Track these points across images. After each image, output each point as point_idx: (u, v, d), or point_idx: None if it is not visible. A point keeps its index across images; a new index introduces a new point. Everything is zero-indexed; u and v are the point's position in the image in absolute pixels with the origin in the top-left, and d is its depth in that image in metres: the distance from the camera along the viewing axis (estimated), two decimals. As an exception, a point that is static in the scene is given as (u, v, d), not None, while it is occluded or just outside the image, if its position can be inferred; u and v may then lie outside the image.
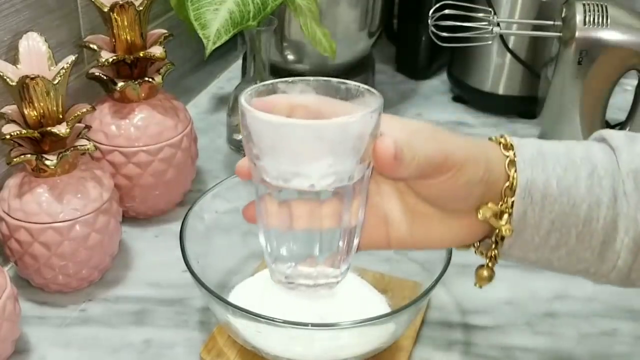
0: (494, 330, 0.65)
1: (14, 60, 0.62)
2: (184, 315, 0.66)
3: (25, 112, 0.62)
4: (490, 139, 0.47)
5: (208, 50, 0.71)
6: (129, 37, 0.72)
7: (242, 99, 0.42)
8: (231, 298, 0.63)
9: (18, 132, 0.61)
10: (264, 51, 0.82)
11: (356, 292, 0.65)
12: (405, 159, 0.42)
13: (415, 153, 0.42)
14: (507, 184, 0.44)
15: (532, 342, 0.64)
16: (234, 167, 0.69)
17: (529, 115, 1.00)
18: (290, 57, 0.95)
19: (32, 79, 0.59)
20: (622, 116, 0.90)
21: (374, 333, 0.57)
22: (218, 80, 1.11)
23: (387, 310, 0.62)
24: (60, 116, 0.63)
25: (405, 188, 0.46)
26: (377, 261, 0.68)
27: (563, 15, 0.86)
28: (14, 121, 0.62)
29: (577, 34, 0.83)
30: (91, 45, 0.72)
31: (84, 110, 0.64)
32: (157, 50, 0.73)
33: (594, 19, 0.83)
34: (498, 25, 0.91)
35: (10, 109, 0.63)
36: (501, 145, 0.46)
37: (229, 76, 1.13)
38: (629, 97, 0.88)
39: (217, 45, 0.71)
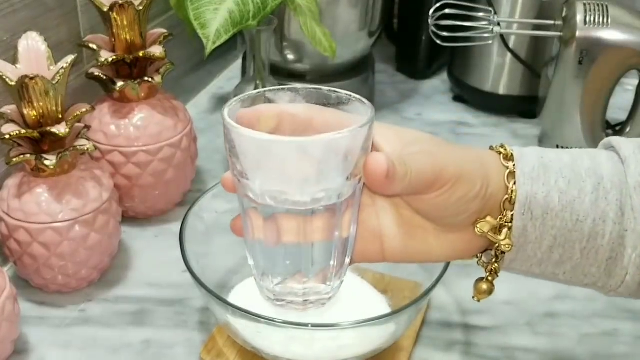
0: (494, 330, 0.65)
1: (13, 60, 0.62)
2: (184, 316, 0.66)
3: (25, 112, 0.62)
4: (491, 147, 0.45)
5: (208, 50, 0.71)
6: (128, 37, 0.72)
7: (225, 113, 0.40)
8: (231, 298, 0.63)
9: (17, 132, 0.61)
10: (263, 51, 0.82)
11: (356, 292, 0.65)
12: (398, 177, 0.40)
13: (408, 170, 0.40)
14: (507, 197, 0.43)
15: (533, 343, 0.64)
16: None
17: (530, 115, 1.00)
18: (290, 56, 0.95)
19: (32, 78, 0.59)
20: (622, 116, 0.90)
21: (374, 333, 0.57)
22: (218, 80, 1.11)
23: (387, 310, 0.62)
24: (60, 116, 0.63)
25: (400, 201, 0.45)
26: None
27: (563, 14, 0.86)
28: (13, 121, 0.62)
29: (577, 33, 0.83)
30: (91, 45, 0.72)
31: (84, 110, 0.64)
32: (156, 50, 0.73)
33: (594, 18, 0.83)
34: (498, 24, 0.91)
35: (9, 109, 0.63)
36: (501, 155, 0.44)
37: (229, 76, 1.13)
38: (630, 97, 0.88)
39: (217, 45, 0.71)
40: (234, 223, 0.45)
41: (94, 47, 0.72)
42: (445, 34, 0.90)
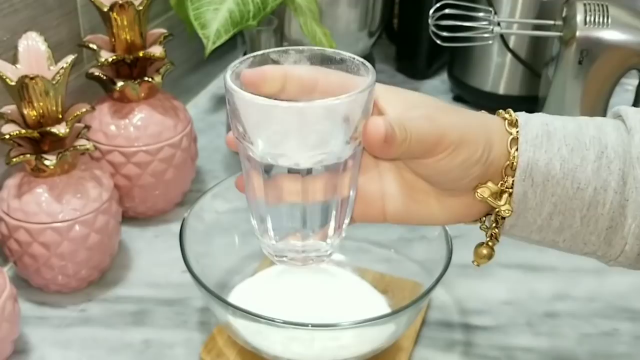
0: (494, 330, 0.65)
1: (13, 60, 0.62)
2: (184, 316, 0.66)
3: (25, 112, 0.62)
4: (497, 113, 0.45)
5: (208, 50, 0.71)
6: (128, 37, 0.72)
7: (228, 76, 0.41)
8: (231, 298, 0.63)
9: (17, 132, 0.61)
10: (264, 51, 0.81)
11: (356, 292, 0.65)
12: (396, 141, 0.40)
13: (408, 134, 0.40)
14: (508, 163, 0.43)
15: (532, 342, 0.64)
16: (234, 167, 0.68)
17: (530, 115, 1.00)
18: (291, 56, 0.95)
19: (32, 78, 0.59)
20: (622, 116, 0.90)
21: (374, 333, 0.57)
22: (218, 80, 1.11)
23: (387, 310, 0.62)
24: (60, 116, 0.63)
25: (403, 164, 0.45)
26: (377, 261, 0.68)
27: (564, 14, 0.86)
28: (13, 121, 0.62)
29: (577, 33, 0.83)
30: (91, 45, 0.72)
31: (84, 110, 0.64)
32: (156, 50, 0.72)
33: (594, 18, 0.83)
34: (498, 24, 0.91)
35: (9, 109, 0.63)
36: (506, 121, 0.44)
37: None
38: (630, 97, 0.88)
39: (217, 45, 0.71)
40: (239, 179, 0.46)
41: (94, 47, 0.72)
42: (445, 34, 0.90)
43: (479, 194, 0.43)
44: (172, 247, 0.61)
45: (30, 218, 0.63)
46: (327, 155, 0.41)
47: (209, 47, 0.71)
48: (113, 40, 0.72)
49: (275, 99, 0.39)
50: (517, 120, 0.44)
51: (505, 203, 0.43)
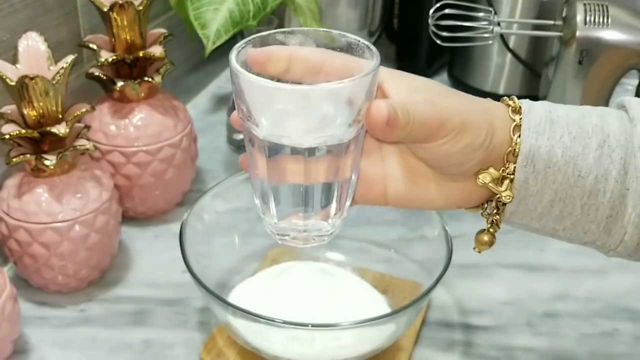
0: (494, 330, 0.65)
1: (13, 60, 0.62)
2: (184, 316, 0.66)
3: (25, 112, 0.62)
4: (501, 99, 0.45)
5: (208, 50, 0.71)
6: (128, 37, 0.72)
7: (233, 57, 0.41)
8: (231, 298, 0.63)
9: (17, 132, 0.61)
10: (263, 51, 0.81)
11: (356, 292, 0.65)
12: (399, 124, 0.40)
13: (410, 118, 0.40)
14: (510, 149, 0.43)
15: (533, 343, 0.64)
16: (234, 167, 0.68)
17: (530, 115, 1.00)
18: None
19: (32, 78, 0.59)
20: (622, 116, 0.90)
21: (374, 333, 0.57)
22: (218, 80, 1.11)
23: (387, 310, 0.62)
24: (60, 116, 0.63)
25: (405, 148, 0.45)
26: (377, 261, 0.68)
27: (564, 14, 0.86)
28: (13, 121, 0.62)
29: (577, 33, 0.83)
30: (91, 45, 0.72)
31: (84, 110, 0.64)
32: (156, 50, 0.72)
33: (594, 18, 0.83)
34: (498, 24, 0.91)
35: (9, 109, 0.63)
36: (510, 108, 0.44)
37: (229, 76, 1.12)
38: (630, 97, 0.88)
39: (216, 45, 0.71)
40: (243, 158, 0.46)
41: (94, 47, 0.72)
42: (445, 33, 0.90)
43: (480, 180, 0.43)
44: (172, 247, 0.61)
45: (30, 218, 0.63)
46: (330, 137, 0.41)
47: (209, 47, 0.71)
48: (113, 40, 0.72)
49: (280, 80, 0.40)
50: (520, 107, 0.44)
51: (507, 189, 0.43)
